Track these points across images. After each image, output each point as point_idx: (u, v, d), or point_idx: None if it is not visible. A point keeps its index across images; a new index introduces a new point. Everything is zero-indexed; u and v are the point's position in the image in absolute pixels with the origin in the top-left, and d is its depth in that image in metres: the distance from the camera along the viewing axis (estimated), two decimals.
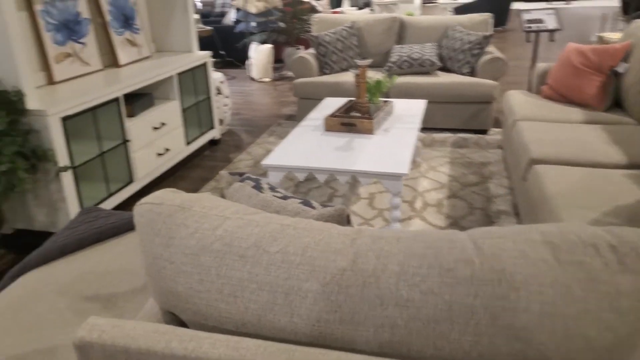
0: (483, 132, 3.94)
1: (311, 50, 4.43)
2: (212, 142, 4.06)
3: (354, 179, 3.03)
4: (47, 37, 2.86)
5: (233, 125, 4.57)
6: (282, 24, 6.25)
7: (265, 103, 5.26)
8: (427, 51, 4.05)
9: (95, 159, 2.75)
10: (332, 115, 2.86)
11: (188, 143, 3.63)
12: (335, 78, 4.11)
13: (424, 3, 10.48)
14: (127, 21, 3.48)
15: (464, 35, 3.97)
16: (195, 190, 3.26)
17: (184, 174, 3.53)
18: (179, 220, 0.99)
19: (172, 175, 3.51)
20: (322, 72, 4.33)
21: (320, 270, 0.82)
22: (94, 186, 2.79)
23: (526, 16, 4.18)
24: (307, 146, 2.62)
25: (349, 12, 6.64)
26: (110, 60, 3.38)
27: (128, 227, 1.88)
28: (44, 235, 2.67)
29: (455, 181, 3.16)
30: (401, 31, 4.41)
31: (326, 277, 0.81)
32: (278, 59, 6.89)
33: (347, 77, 4.10)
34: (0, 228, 2.38)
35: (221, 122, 4.24)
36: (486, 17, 4.11)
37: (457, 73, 4.01)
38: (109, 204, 2.85)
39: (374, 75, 4.16)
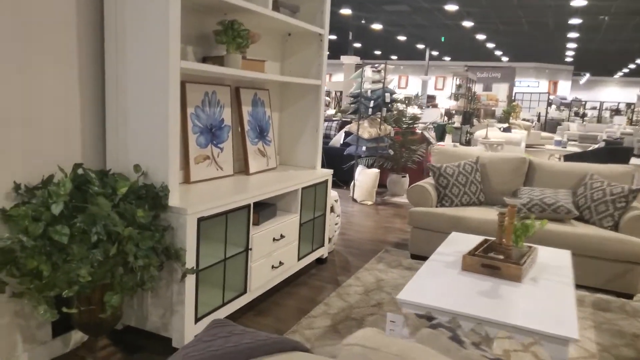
0: (629, 296, 3.45)
1: (429, 181, 4.31)
2: (319, 261, 3.88)
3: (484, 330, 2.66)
4: (192, 138, 2.96)
5: (338, 245, 4.40)
6: (391, 151, 6.31)
7: (368, 226, 5.11)
8: (562, 197, 3.78)
9: (217, 264, 2.63)
10: (472, 254, 2.61)
11: (300, 258, 3.47)
12: (457, 212, 3.91)
13: (527, 147, 10.39)
14: (261, 133, 3.58)
15: (605, 185, 3.68)
16: (305, 311, 3.02)
17: (291, 291, 3.32)
18: None
19: (279, 291, 3.31)
20: (440, 204, 4.15)
21: None
22: (210, 292, 2.64)
23: None
24: (447, 286, 2.35)
25: (460, 147, 6.60)
26: (241, 167, 3.43)
27: (265, 350, 1.65)
28: (153, 337, 2.50)
29: (606, 352, 2.68)
30: (530, 173, 4.21)
31: None
32: (380, 184, 6.88)
33: (471, 213, 3.88)
34: (116, 324, 2.25)
35: (329, 240, 4.09)
36: (630, 169, 3.83)
37: (596, 225, 3.66)
38: (222, 313, 2.67)
39: (484, 212, 3.90)
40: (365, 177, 6.06)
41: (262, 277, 3.01)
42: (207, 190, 2.73)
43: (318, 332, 2.73)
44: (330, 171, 3.82)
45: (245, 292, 2.88)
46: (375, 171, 5.98)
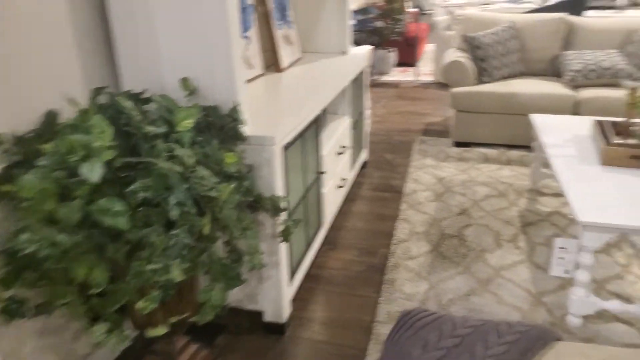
0: None
1: (459, 54, 3.64)
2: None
3: None
4: None
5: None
6: (379, 24, 5.46)
7: (378, 114, 4.46)
8: (617, 59, 3.29)
9: (300, 202, 1.93)
10: (612, 144, 2.08)
11: (351, 168, 2.82)
12: (506, 88, 3.33)
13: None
14: (282, 12, 2.66)
15: None
16: (385, 234, 2.44)
17: (350, 210, 2.71)
18: None
19: (338, 212, 2.69)
20: (479, 81, 3.54)
21: None
22: (295, 238, 1.97)
23: None
24: (616, 192, 1.83)
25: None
26: (268, 62, 2.57)
27: (530, 356, 1.06)
28: (231, 312, 1.85)
29: None
30: (569, 35, 3.64)
31: None
32: None
33: (519, 87, 3.31)
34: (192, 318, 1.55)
35: None
36: None
37: None
38: (307, 261, 2.04)
39: (537, 84, 3.36)
40: None
41: (332, 203, 2.36)
42: (255, 102, 1.92)
43: (424, 262, 2.19)
44: (366, 51, 3.03)
45: (321, 225, 2.23)
46: (368, 49, 5.16)
